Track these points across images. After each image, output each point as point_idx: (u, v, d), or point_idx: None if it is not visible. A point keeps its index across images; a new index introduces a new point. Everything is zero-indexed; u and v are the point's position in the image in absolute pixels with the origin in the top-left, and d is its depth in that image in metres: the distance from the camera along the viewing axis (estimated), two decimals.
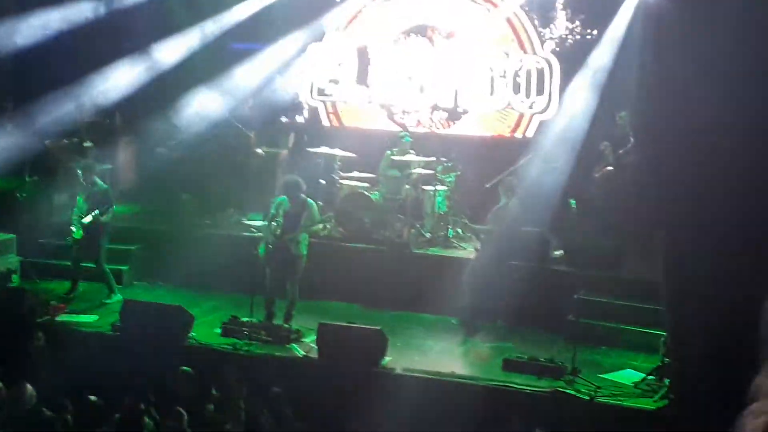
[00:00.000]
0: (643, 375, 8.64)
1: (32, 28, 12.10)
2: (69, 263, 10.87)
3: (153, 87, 13.20)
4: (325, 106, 13.60)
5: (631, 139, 11.18)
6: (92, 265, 10.71)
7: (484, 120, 12.95)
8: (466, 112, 12.95)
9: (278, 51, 13.27)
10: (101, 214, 10.38)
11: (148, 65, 12.99)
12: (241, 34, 13.60)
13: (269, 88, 13.28)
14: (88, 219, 10.34)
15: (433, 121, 13.11)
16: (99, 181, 10.71)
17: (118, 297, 10.49)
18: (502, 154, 12.21)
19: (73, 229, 10.47)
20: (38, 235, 11.59)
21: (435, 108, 13.04)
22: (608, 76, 11.90)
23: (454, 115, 13.01)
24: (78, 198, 10.64)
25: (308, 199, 9.72)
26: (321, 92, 13.57)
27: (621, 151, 11.37)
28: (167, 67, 13.07)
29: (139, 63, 12.94)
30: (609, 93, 11.79)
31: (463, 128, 13.03)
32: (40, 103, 12.08)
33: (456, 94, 12.96)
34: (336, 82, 13.46)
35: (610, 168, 11.41)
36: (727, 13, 6.01)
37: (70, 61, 12.45)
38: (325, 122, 13.45)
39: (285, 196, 9.66)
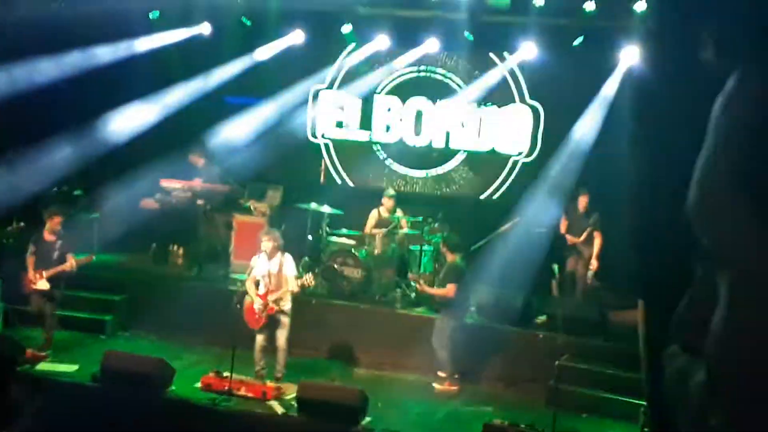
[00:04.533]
0: None
1: (27, 75, 12.19)
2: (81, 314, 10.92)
3: (146, 137, 13.35)
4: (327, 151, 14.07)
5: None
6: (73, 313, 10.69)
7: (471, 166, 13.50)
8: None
9: (277, 102, 13.66)
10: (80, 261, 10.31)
11: (141, 115, 13.15)
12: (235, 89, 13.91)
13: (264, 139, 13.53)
14: (55, 271, 10.18)
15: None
16: (61, 231, 10.50)
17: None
18: (487, 216, 12.36)
19: (33, 279, 10.18)
20: (23, 282, 11.53)
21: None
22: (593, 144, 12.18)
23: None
24: (31, 244, 10.34)
25: (286, 253, 9.73)
26: (324, 134, 14.14)
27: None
28: (160, 119, 13.24)
29: (132, 113, 13.10)
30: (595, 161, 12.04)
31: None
32: (32, 150, 12.13)
33: (448, 136, 13.53)
34: (340, 125, 13.99)
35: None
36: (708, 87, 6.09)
37: (64, 109, 12.57)
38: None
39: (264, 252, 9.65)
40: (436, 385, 10.25)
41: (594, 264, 11.26)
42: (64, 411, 8.56)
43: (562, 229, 11.69)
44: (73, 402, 8.90)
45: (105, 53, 13.00)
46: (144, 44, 13.54)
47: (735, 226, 1.21)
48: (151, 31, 13.68)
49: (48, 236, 10.34)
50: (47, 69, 12.37)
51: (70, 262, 10.22)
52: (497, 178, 13.46)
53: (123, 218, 12.32)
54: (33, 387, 9.10)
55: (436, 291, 10.61)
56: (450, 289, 10.29)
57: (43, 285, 10.20)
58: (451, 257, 10.57)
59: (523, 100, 13.31)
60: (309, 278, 9.62)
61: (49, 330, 10.40)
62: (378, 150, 13.97)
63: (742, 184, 1.18)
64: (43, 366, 9.86)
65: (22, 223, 11.33)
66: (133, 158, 13.31)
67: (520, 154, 13.33)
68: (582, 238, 11.44)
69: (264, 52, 13.78)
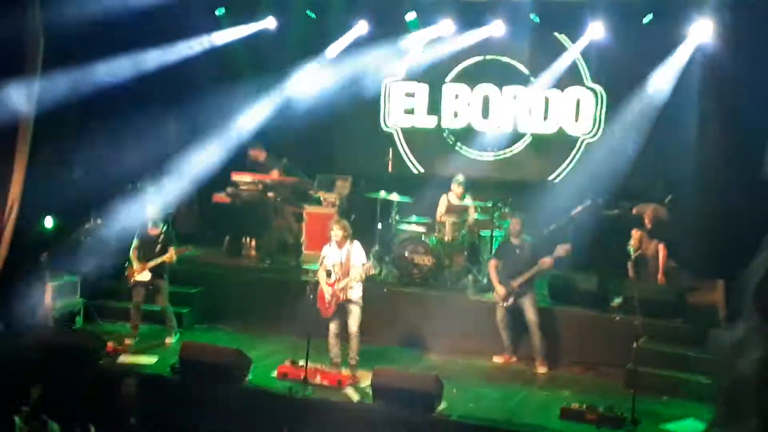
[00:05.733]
0: (705, 425, 8.43)
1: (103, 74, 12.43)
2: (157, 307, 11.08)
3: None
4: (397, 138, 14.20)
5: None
6: (156, 308, 10.95)
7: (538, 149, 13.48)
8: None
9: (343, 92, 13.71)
10: (171, 256, 10.70)
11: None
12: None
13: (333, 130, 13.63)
14: (157, 262, 10.66)
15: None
16: (161, 224, 10.94)
17: (177, 337, 10.71)
18: (557, 199, 12.20)
19: (135, 272, 10.72)
20: (101, 277, 11.83)
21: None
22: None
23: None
24: (133, 239, 10.87)
25: (355, 242, 9.75)
26: (394, 122, 14.26)
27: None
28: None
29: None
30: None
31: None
32: (106, 147, 12.39)
33: (515, 120, 13.53)
34: (409, 112, 14.12)
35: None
36: None
37: (135, 108, 12.82)
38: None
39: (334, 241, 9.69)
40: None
41: (660, 278, 11.02)
42: (144, 402, 8.75)
43: (635, 210, 11.46)
44: (154, 393, 9.08)
45: (171, 52, 13.17)
46: (213, 40, 13.70)
47: None
48: (218, 27, 13.84)
49: (152, 230, 10.74)
50: (122, 68, 12.57)
51: (170, 254, 10.66)
52: (565, 159, 13.41)
53: (197, 213, 12.51)
54: (116, 379, 9.29)
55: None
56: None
57: (144, 276, 10.69)
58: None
59: (586, 82, 13.21)
60: (368, 266, 9.61)
61: (168, 321, 10.90)
62: (447, 135, 13.95)
63: None
64: (123, 359, 10.08)
65: (99, 220, 11.58)
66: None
67: (586, 134, 13.27)
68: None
69: (334, 50, 13.86)
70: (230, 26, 13.82)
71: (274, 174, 12.64)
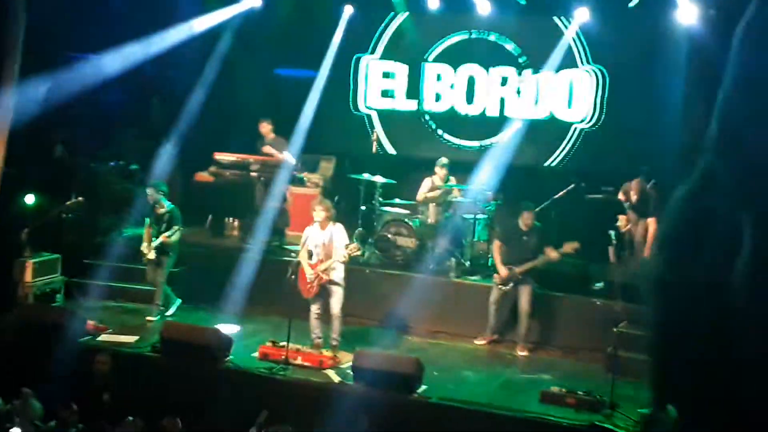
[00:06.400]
0: None
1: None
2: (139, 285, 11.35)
3: (200, 112, 13.45)
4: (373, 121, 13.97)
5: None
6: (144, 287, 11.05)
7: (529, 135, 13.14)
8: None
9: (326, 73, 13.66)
10: (170, 234, 10.74)
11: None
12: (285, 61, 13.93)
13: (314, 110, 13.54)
14: (158, 241, 10.75)
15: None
16: (166, 202, 10.91)
17: (158, 319, 10.73)
18: (544, 184, 12.20)
19: (144, 250, 10.82)
20: (82, 255, 11.77)
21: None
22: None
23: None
24: (146, 219, 10.97)
25: (337, 224, 9.71)
26: (371, 104, 14.02)
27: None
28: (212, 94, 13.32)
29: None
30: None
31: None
32: (90, 128, 12.32)
33: (502, 104, 13.26)
34: (387, 94, 13.88)
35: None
36: None
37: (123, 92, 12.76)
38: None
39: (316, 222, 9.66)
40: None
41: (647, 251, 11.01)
42: (123, 381, 8.73)
43: (621, 196, 11.45)
44: (133, 372, 9.05)
45: (159, 40, 13.03)
46: (199, 25, 13.48)
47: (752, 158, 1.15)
48: (203, 11, 13.70)
49: (159, 209, 10.87)
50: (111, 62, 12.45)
51: (168, 234, 10.80)
52: (558, 146, 13.16)
53: (179, 192, 12.43)
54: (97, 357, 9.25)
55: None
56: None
57: (152, 255, 10.79)
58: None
59: (582, 64, 12.97)
60: (354, 247, 9.57)
61: (156, 299, 10.99)
62: (428, 121, 13.82)
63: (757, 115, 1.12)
64: (104, 337, 10.03)
65: (80, 198, 11.50)
66: (187, 132, 13.45)
67: (582, 120, 13.03)
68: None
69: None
70: (215, 9, 13.66)
71: (278, 155, 12.44)
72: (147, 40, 12.68)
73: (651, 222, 10.94)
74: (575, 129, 13.09)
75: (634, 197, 11.10)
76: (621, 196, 11.30)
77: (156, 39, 12.83)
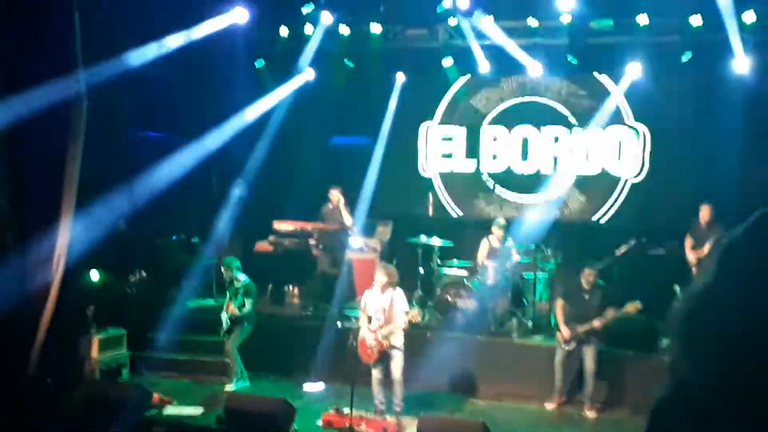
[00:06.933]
0: None
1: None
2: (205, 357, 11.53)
3: (258, 181, 13.73)
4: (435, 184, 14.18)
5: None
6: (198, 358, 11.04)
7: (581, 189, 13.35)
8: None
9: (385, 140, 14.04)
10: (241, 306, 10.90)
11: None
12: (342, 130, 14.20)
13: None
14: (229, 313, 10.93)
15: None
16: (240, 274, 11.09)
17: (240, 385, 10.88)
18: (601, 239, 12.10)
19: (223, 321, 10.99)
20: (147, 329, 11.93)
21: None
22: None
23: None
24: (226, 292, 11.15)
25: (398, 288, 9.70)
26: (433, 167, 14.29)
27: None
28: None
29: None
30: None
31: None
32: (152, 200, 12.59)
33: (555, 161, 13.53)
34: (448, 156, 14.12)
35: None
36: None
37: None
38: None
39: (377, 287, 9.65)
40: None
41: None
42: None
43: (687, 245, 11.30)
44: None
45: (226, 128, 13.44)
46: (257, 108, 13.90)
47: None
48: (257, 81, 14.08)
49: (236, 283, 11.03)
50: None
51: (239, 305, 10.96)
52: (607, 200, 13.33)
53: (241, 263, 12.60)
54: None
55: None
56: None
57: (226, 326, 11.00)
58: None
59: (628, 121, 13.15)
60: (415, 314, 9.53)
61: (231, 368, 11.07)
62: (486, 180, 13.94)
63: None
64: (169, 410, 10.10)
65: (144, 273, 11.71)
66: (247, 202, 13.70)
67: (631, 175, 13.19)
68: (705, 249, 11.00)
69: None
70: (271, 81, 13.99)
71: (347, 221, 12.55)
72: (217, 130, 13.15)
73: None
74: (624, 182, 13.21)
75: (703, 224, 11.15)
76: (687, 242, 11.20)
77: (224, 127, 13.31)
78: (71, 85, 9.38)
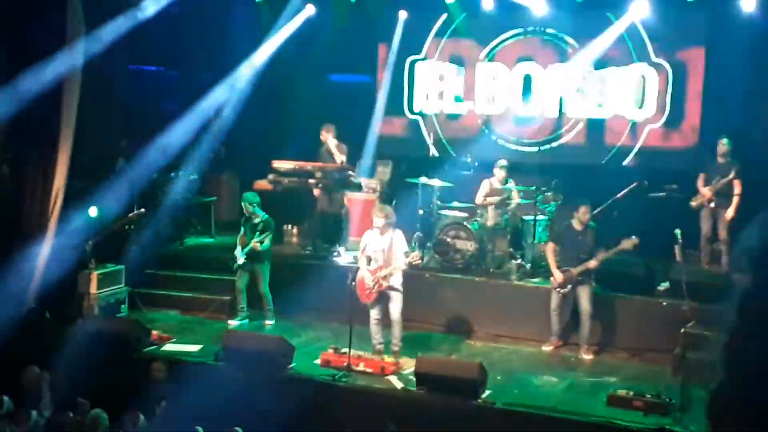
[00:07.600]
0: None
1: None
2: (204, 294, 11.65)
3: (257, 120, 13.61)
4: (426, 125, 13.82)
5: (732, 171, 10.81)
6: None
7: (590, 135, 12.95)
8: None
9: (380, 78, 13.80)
10: (261, 241, 10.88)
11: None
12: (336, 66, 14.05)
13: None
14: (249, 247, 10.93)
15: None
16: (260, 212, 11.09)
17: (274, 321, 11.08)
18: (605, 182, 11.98)
19: (237, 255, 11.03)
20: (145, 266, 11.91)
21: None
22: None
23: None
24: (241, 227, 11.18)
25: (397, 230, 9.63)
26: (424, 106, 13.92)
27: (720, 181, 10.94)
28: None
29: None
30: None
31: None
32: (150, 137, 12.49)
33: (561, 103, 12.95)
34: (440, 96, 13.76)
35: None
36: None
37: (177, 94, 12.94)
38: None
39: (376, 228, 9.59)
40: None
41: (730, 213, 10.76)
42: (188, 390, 8.77)
43: (700, 183, 11.18)
44: (197, 381, 9.10)
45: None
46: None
47: None
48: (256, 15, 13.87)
49: (254, 219, 11.09)
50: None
51: (257, 242, 10.96)
52: (619, 143, 12.82)
53: (238, 201, 12.53)
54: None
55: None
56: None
57: (241, 260, 11.07)
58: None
59: (647, 59, 12.54)
60: (416, 256, 9.52)
61: (266, 305, 11.19)
62: (484, 129, 13.58)
63: None
64: (168, 347, 10.14)
65: (142, 209, 11.64)
66: (244, 140, 13.60)
67: (646, 119, 12.64)
68: (719, 185, 10.93)
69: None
70: (271, 15, 13.76)
71: (337, 159, 12.43)
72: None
73: (737, 184, 10.81)
74: (642, 127, 12.71)
75: (720, 158, 10.96)
76: (700, 178, 11.17)
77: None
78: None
